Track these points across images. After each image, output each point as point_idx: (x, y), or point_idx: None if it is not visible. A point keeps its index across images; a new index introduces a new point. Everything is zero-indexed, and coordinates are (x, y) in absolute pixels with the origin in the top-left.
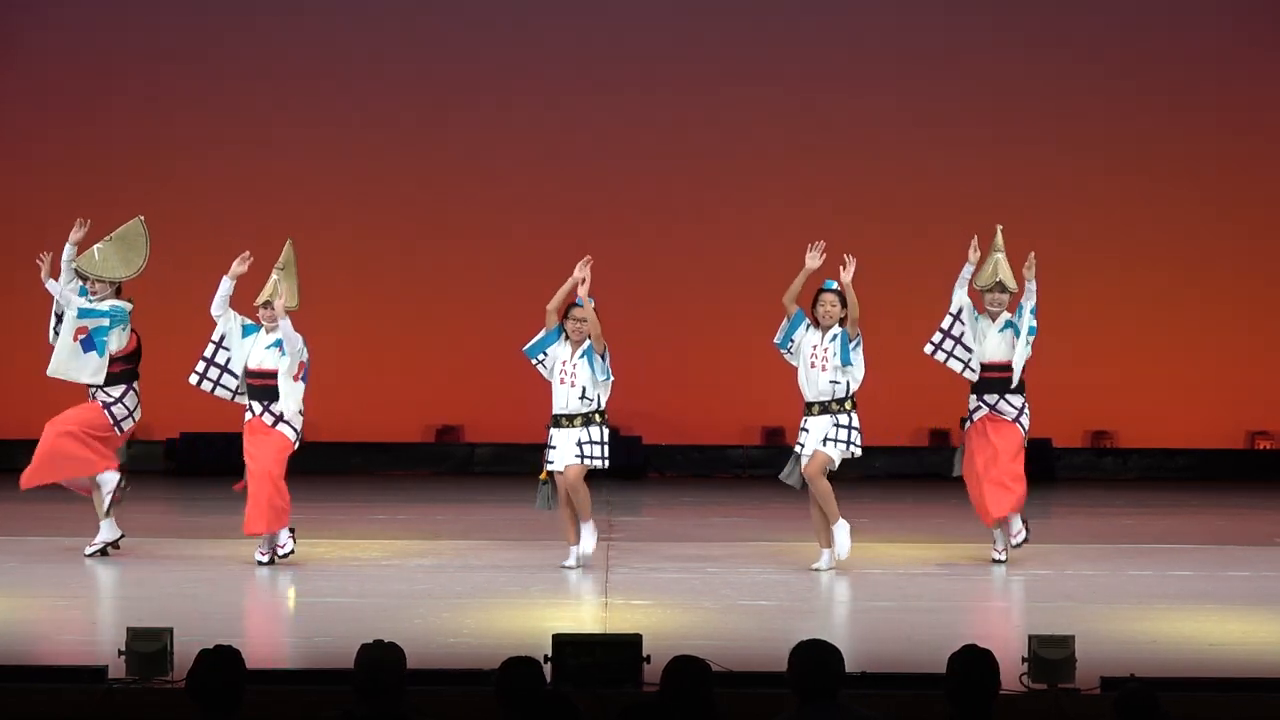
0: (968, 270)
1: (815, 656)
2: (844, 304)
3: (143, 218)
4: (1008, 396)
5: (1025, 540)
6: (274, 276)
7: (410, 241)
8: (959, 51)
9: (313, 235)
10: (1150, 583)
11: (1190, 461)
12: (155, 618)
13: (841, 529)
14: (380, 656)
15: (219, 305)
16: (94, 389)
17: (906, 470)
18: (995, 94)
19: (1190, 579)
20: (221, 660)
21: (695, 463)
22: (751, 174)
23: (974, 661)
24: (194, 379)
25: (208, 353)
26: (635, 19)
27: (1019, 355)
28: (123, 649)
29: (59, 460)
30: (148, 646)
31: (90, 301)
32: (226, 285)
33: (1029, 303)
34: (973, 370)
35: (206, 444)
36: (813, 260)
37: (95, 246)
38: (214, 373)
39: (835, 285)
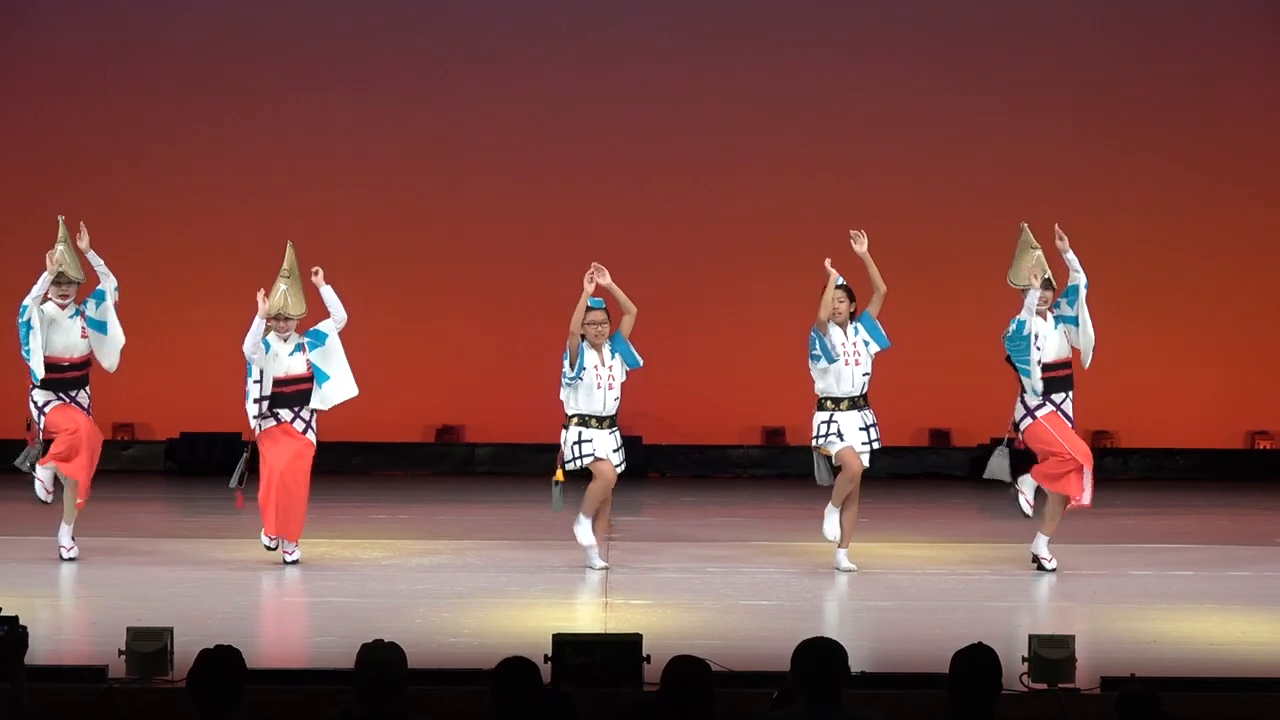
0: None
1: (819, 654)
2: (850, 298)
3: (62, 217)
4: (1072, 397)
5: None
6: (282, 286)
7: (410, 241)
8: (972, 43)
9: (312, 234)
10: (1150, 583)
11: (1190, 461)
12: (155, 618)
13: (834, 513)
14: (381, 656)
15: (253, 346)
16: (79, 392)
17: (906, 470)
18: (1004, 90)
19: (1190, 579)
20: (222, 660)
21: (695, 463)
22: (752, 174)
23: (977, 661)
24: (255, 425)
25: (255, 394)
26: (637, 17)
27: (1087, 340)
28: (123, 649)
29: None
30: (148, 646)
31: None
32: (260, 325)
33: (1080, 279)
34: (1038, 380)
35: (206, 444)
36: (835, 277)
37: (59, 252)
38: (266, 406)
39: (839, 282)
